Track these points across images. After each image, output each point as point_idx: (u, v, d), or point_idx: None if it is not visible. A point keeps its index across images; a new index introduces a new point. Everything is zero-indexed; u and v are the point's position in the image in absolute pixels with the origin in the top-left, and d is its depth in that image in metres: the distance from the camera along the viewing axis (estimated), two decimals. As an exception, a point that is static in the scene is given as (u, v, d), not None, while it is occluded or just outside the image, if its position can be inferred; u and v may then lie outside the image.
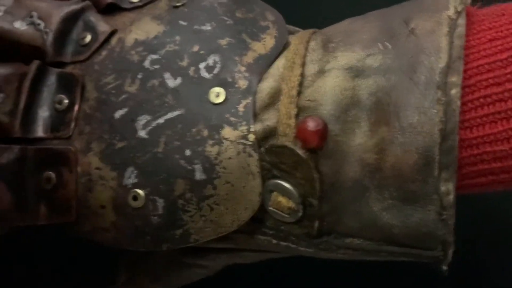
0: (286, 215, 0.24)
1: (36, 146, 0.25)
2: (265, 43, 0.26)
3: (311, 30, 0.28)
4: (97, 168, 0.25)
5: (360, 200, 0.24)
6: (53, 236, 0.48)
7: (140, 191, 0.24)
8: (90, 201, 0.25)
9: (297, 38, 0.26)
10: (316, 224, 0.24)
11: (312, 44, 0.26)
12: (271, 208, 0.25)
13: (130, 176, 0.24)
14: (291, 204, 0.24)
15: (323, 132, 0.23)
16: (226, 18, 0.27)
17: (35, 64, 0.25)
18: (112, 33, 0.27)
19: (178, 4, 0.28)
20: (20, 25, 0.26)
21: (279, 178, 0.24)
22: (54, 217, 0.25)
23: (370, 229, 0.24)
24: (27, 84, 0.25)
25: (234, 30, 0.27)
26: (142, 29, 0.27)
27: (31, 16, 0.27)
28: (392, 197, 0.23)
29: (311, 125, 0.23)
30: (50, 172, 0.25)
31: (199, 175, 0.24)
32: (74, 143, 0.25)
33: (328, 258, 0.26)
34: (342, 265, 0.30)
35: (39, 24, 0.27)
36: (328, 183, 0.24)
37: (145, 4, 0.28)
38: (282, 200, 0.24)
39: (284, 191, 0.24)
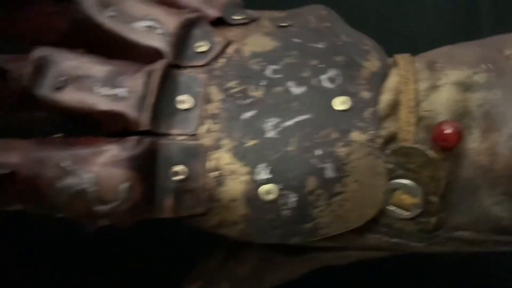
0: (406, 212, 0.27)
1: (164, 141, 0.26)
2: (373, 63, 0.29)
3: (406, 55, 0.30)
4: (228, 164, 0.26)
5: (471, 197, 0.27)
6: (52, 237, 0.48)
7: (273, 186, 0.26)
8: (220, 195, 0.26)
9: (401, 59, 0.29)
10: (434, 220, 0.27)
11: (417, 65, 0.29)
12: (390, 206, 0.27)
13: (262, 172, 0.26)
14: (415, 200, 0.26)
15: (460, 134, 0.26)
16: (335, 39, 0.30)
17: (162, 62, 0.27)
18: (227, 43, 0.29)
19: (284, 24, 0.30)
20: (138, 27, 0.27)
21: (404, 177, 0.27)
22: (182, 211, 0.26)
23: (480, 222, 0.27)
24: (155, 81, 0.26)
25: (344, 50, 0.29)
26: (257, 42, 0.29)
27: (150, 19, 0.27)
28: (504, 192, 0.27)
29: (449, 127, 0.26)
30: (181, 166, 0.26)
31: (330, 173, 0.26)
32: (201, 140, 0.26)
33: (428, 252, 0.28)
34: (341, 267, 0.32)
35: (157, 28, 0.27)
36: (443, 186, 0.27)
37: (248, 23, 0.31)
38: (406, 197, 0.26)
39: (408, 189, 0.26)
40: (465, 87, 0.27)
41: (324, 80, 0.28)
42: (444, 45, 0.46)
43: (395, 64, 0.30)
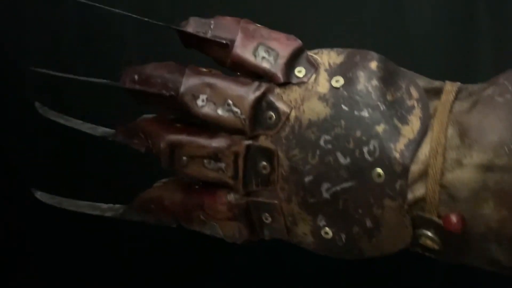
0: (431, 248, 0.34)
1: (254, 198, 0.36)
2: (413, 126, 0.34)
3: (447, 112, 0.34)
4: (298, 212, 0.35)
5: (481, 247, 0.33)
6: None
7: (329, 229, 0.35)
8: (296, 230, 0.36)
9: (437, 123, 0.34)
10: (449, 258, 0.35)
11: (450, 131, 0.33)
12: (416, 247, 0.35)
13: (321, 220, 0.35)
14: (434, 244, 0.34)
15: (462, 226, 0.32)
16: (379, 104, 0.34)
17: (244, 145, 0.35)
18: (290, 111, 0.35)
19: (337, 86, 0.35)
20: (222, 112, 0.35)
21: (427, 229, 0.33)
22: (273, 236, 0.37)
23: (483, 262, 0.34)
24: (241, 161, 0.35)
25: (387, 116, 0.34)
26: (313, 110, 0.35)
27: (228, 104, 0.35)
28: (507, 248, 0.33)
29: (455, 220, 0.32)
30: (267, 214, 0.36)
31: (369, 224, 0.34)
32: (279, 194, 0.36)
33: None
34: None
35: (236, 112, 0.35)
36: (458, 236, 0.33)
37: (309, 79, 0.35)
38: (428, 241, 0.33)
39: (429, 237, 0.33)
40: (486, 168, 0.32)
41: (366, 153, 0.33)
42: (443, 45, 0.46)
43: (433, 115, 0.34)
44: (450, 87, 0.35)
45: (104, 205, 0.40)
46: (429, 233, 0.33)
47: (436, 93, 0.35)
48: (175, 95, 0.36)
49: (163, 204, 0.38)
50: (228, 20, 0.37)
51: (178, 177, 0.39)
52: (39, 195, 0.41)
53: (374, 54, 0.35)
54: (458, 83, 0.35)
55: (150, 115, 0.38)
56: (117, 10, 0.37)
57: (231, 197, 0.37)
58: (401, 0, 0.46)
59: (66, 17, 0.46)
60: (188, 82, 0.36)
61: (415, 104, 0.34)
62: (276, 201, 0.36)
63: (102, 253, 0.48)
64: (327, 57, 0.36)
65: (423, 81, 0.35)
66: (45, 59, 0.47)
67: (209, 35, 0.37)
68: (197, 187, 0.38)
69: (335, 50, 0.36)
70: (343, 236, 0.35)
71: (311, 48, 0.36)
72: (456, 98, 0.34)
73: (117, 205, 0.39)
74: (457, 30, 0.46)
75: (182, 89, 0.36)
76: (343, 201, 0.34)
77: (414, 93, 0.35)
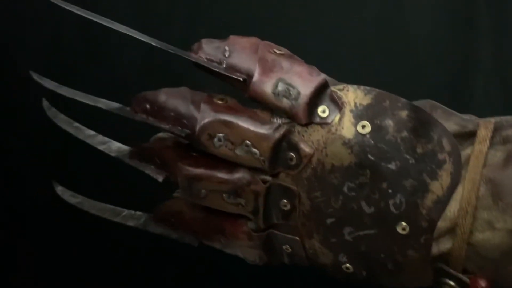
0: None
1: (275, 230, 0.36)
2: (442, 182, 0.32)
3: (479, 168, 0.33)
4: (319, 248, 0.35)
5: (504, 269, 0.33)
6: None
7: (350, 266, 0.35)
8: (316, 261, 0.36)
9: (469, 181, 0.32)
10: None
11: (482, 190, 0.32)
12: None
13: (343, 257, 0.34)
14: None
15: (490, 286, 0.32)
16: (408, 157, 0.32)
17: (264, 187, 0.34)
18: (312, 154, 0.34)
19: (363, 133, 0.33)
20: (240, 152, 0.34)
21: (450, 279, 0.33)
22: (293, 262, 0.37)
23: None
24: (261, 199, 0.34)
25: (416, 170, 0.32)
26: (336, 155, 0.33)
27: (247, 145, 0.34)
28: None
29: (483, 285, 0.32)
30: (287, 245, 0.36)
31: (390, 267, 0.33)
32: (299, 230, 0.35)
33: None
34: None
35: (255, 154, 0.33)
36: None
37: (333, 120, 0.34)
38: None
39: (453, 287, 0.33)
40: None
41: (391, 206, 0.33)
42: (443, 45, 0.46)
43: (464, 165, 0.33)
44: (484, 132, 0.33)
45: (126, 211, 0.39)
46: (452, 283, 0.33)
47: (469, 136, 0.33)
48: (191, 134, 0.34)
49: (184, 219, 0.37)
50: (244, 45, 0.35)
51: None
52: (60, 190, 0.39)
53: (405, 102, 0.33)
54: (492, 122, 0.33)
55: (165, 135, 0.36)
56: (123, 28, 0.35)
57: (252, 226, 0.36)
58: (401, 0, 0.46)
59: (66, 17, 0.46)
60: (204, 120, 0.34)
61: (447, 159, 0.33)
62: (297, 238, 0.35)
63: (102, 253, 0.48)
64: (353, 96, 0.34)
65: (455, 124, 0.33)
66: (45, 59, 0.47)
67: (224, 65, 0.34)
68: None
69: (362, 88, 0.34)
70: (364, 273, 0.34)
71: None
72: (490, 145, 0.33)
73: (138, 213, 0.38)
74: (457, 30, 0.46)
75: (197, 128, 0.34)
76: (365, 246, 0.34)
77: (447, 146, 0.33)
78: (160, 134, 0.36)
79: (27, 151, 0.48)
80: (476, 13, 0.45)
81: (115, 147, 0.38)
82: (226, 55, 0.34)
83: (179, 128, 0.34)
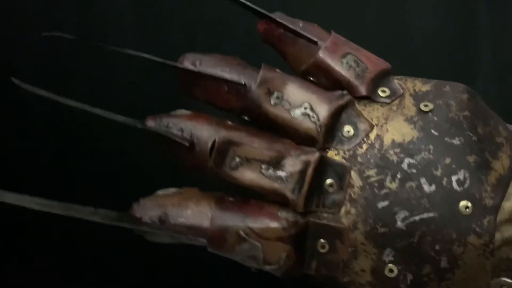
0: None
1: (314, 219, 0.31)
2: (503, 162, 0.32)
3: None
4: (362, 244, 0.31)
5: None
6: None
7: (394, 267, 0.31)
8: (353, 264, 0.31)
9: None
10: None
11: None
12: None
13: (388, 255, 0.31)
14: None
15: None
16: (471, 134, 0.32)
17: (316, 156, 0.31)
18: (371, 129, 0.32)
19: (426, 110, 0.32)
20: (297, 115, 0.32)
21: (510, 277, 0.31)
22: (322, 271, 0.32)
23: None
24: (310, 172, 0.31)
25: (478, 147, 0.32)
26: (398, 130, 0.32)
27: (305, 107, 0.32)
28: None
29: None
30: (324, 241, 0.32)
31: (443, 264, 0.31)
32: (341, 219, 0.31)
33: None
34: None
35: (313, 117, 0.32)
36: None
37: (392, 101, 0.33)
38: None
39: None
40: None
41: (454, 182, 0.31)
42: (443, 45, 0.46)
43: None
44: None
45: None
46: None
47: None
48: (248, 87, 0.32)
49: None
50: (317, 27, 0.35)
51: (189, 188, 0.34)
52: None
53: (465, 87, 0.33)
54: None
55: (187, 111, 0.33)
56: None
57: (286, 214, 0.32)
58: (401, 0, 0.46)
59: (66, 17, 0.46)
60: (266, 75, 0.32)
61: (504, 142, 0.33)
62: (345, 226, 0.31)
63: (102, 253, 0.48)
64: (411, 84, 0.34)
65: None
66: (45, 59, 0.47)
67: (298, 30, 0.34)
68: (231, 199, 0.33)
69: (419, 79, 0.34)
70: (409, 277, 0.31)
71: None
72: None
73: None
74: (457, 30, 0.46)
75: (258, 80, 0.32)
76: (419, 234, 0.31)
77: (503, 131, 0.33)
78: (181, 110, 0.34)
79: (27, 151, 0.48)
80: (476, 13, 0.46)
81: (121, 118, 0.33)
82: (301, 26, 0.34)
83: (236, 79, 0.32)
